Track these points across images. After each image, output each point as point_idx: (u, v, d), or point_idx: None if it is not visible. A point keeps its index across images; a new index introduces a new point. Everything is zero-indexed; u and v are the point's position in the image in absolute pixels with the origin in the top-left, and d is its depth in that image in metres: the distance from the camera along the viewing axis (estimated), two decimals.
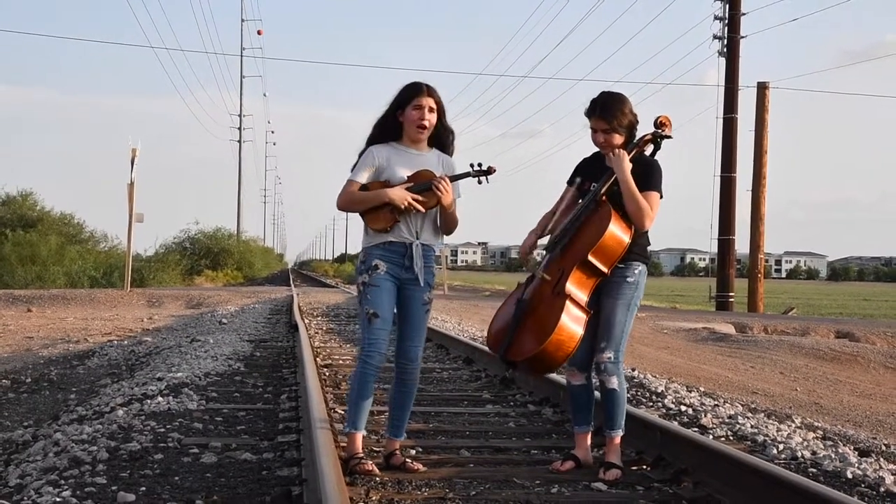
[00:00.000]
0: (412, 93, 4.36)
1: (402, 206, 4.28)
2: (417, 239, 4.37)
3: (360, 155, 4.45)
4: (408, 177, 4.35)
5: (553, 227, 4.56)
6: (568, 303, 4.27)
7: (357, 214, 4.45)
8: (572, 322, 4.28)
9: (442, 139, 4.48)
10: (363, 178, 4.37)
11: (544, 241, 4.61)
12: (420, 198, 4.30)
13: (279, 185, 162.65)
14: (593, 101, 4.42)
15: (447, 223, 4.46)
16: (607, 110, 4.37)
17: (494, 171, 4.50)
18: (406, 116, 4.36)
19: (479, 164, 4.51)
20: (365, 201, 4.35)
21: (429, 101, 4.34)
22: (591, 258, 4.30)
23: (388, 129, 4.43)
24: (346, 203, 4.41)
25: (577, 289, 4.33)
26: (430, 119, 4.35)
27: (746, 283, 26.53)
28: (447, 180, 4.33)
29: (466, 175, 4.47)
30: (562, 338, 4.25)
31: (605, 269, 4.33)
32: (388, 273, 4.34)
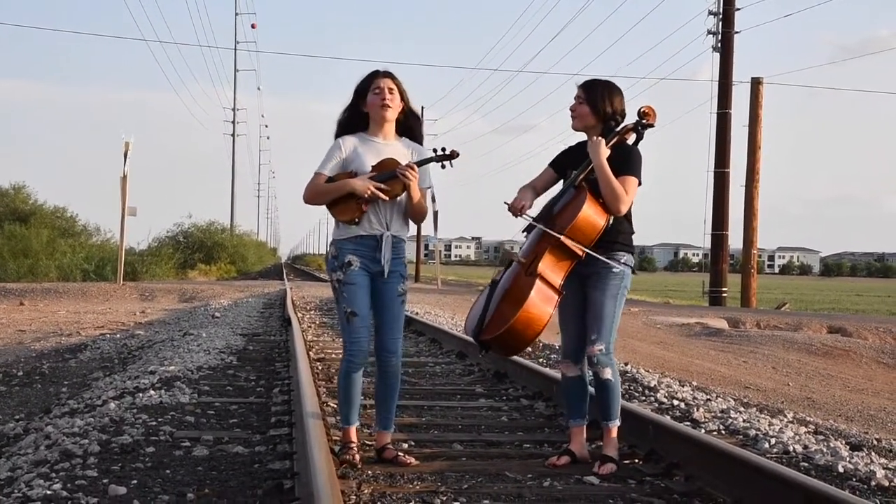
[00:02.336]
0: (369, 78, 4.39)
1: (366, 195, 4.26)
2: (388, 230, 4.36)
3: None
4: (372, 166, 4.33)
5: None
6: (538, 282, 4.30)
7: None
8: (542, 300, 4.29)
9: (410, 125, 4.48)
10: (328, 169, 4.35)
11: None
12: (384, 186, 4.27)
13: (273, 179, 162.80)
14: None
15: (414, 212, 4.42)
16: (589, 85, 4.50)
17: (458, 154, 4.49)
18: (368, 103, 4.36)
19: (443, 149, 4.49)
20: (328, 192, 4.34)
21: (387, 83, 4.35)
22: (565, 239, 4.32)
23: (353, 123, 4.43)
24: (311, 195, 4.39)
25: (551, 270, 4.35)
26: (393, 99, 4.35)
27: (739, 278, 26.55)
28: (413, 165, 4.31)
29: (430, 160, 4.44)
30: (530, 315, 4.26)
31: (579, 252, 4.35)
32: (362, 268, 4.33)
